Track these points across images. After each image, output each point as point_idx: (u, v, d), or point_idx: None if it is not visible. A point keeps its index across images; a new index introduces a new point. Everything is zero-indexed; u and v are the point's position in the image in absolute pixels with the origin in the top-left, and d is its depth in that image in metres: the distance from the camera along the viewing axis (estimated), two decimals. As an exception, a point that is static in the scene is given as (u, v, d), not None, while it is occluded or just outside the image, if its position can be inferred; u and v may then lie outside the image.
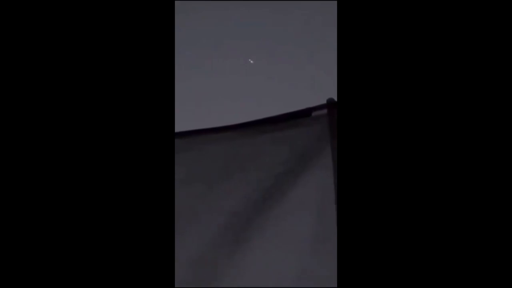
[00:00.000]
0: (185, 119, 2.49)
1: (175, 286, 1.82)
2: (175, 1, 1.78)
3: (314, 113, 2.43)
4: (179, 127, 2.12)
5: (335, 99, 2.38)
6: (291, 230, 2.37)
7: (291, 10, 4.11)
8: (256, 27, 4.30)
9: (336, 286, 1.76)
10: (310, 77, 4.17)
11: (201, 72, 4.28)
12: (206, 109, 4.20)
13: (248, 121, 2.43)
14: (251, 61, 4.07)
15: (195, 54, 4.24)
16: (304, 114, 2.43)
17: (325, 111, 2.42)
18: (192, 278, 2.35)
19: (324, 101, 2.40)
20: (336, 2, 1.77)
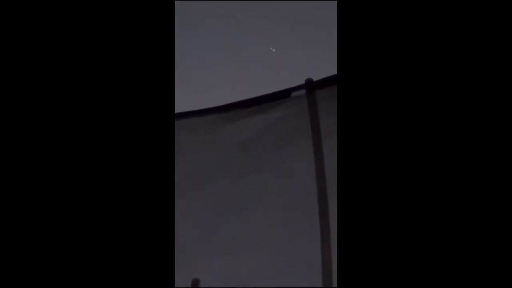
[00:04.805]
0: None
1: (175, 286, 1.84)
2: (175, 1, 1.76)
3: (293, 94, 2.46)
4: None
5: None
6: (275, 209, 2.41)
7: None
8: (255, 26, 4.28)
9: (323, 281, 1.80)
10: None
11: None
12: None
13: (231, 102, 2.44)
14: (273, 49, 4.04)
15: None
16: (284, 95, 2.46)
17: (303, 91, 2.45)
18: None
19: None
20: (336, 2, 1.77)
